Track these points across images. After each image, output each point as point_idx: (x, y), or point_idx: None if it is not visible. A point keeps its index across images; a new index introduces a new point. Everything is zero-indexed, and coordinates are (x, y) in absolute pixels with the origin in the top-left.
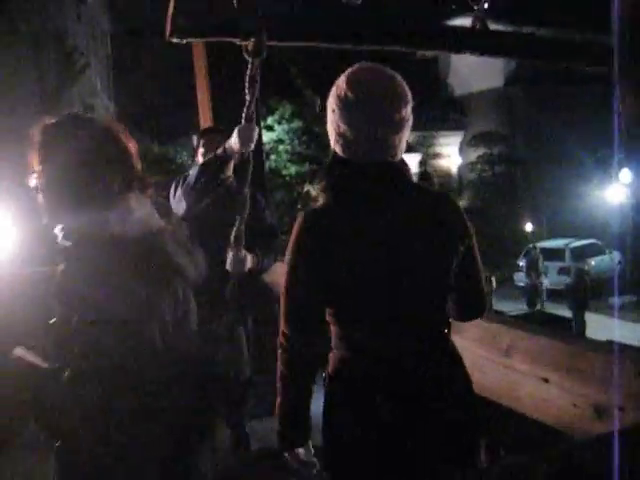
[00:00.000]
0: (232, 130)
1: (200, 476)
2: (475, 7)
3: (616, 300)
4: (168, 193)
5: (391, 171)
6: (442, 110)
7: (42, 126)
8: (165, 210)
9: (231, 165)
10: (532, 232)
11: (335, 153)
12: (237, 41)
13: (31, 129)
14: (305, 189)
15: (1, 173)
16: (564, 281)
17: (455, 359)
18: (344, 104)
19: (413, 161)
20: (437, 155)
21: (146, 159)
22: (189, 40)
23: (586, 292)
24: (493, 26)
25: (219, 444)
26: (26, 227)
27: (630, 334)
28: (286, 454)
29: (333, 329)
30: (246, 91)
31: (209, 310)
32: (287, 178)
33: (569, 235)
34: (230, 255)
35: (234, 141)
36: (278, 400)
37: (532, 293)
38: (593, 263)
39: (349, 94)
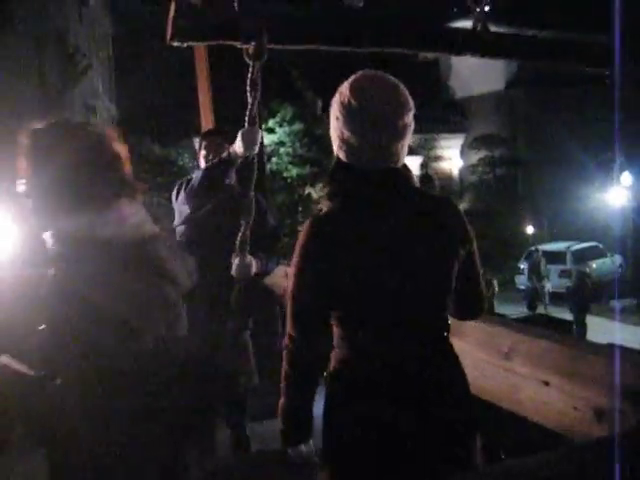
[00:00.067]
0: (233, 132)
1: (197, 475)
2: (476, 9)
3: (617, 303)
4: (170, 195)
5: (394, 177)
6: (443, 112)
7: (31, 131)
8: (158, 216)
9: (234, 169)
10: (533, 235)
11: (339, 159)
12: (238, 44)
13: (20, 134)
14: (306, 191)
15: (2, 174)
16: (565, 284)
17: (454, 361)
18: (348, 111)
19: (414, 164)
20: (438, 158)
21: (148, 161)
22: (190, 43)
23: (587, 295)
24: (494, 28)
25: (219, 445)
26: (27, 228)
27: (631, 337)
28: (289, 450)
29: (336, 330)
30: (248, 94)
31: (213, 315)
32: (288, 180)
33: (570, 238)
34: (236, 261)
35: (238, 145)
36: (282, 400)
37: (533, 296)
38: (594, 266)
39: (353, 102)
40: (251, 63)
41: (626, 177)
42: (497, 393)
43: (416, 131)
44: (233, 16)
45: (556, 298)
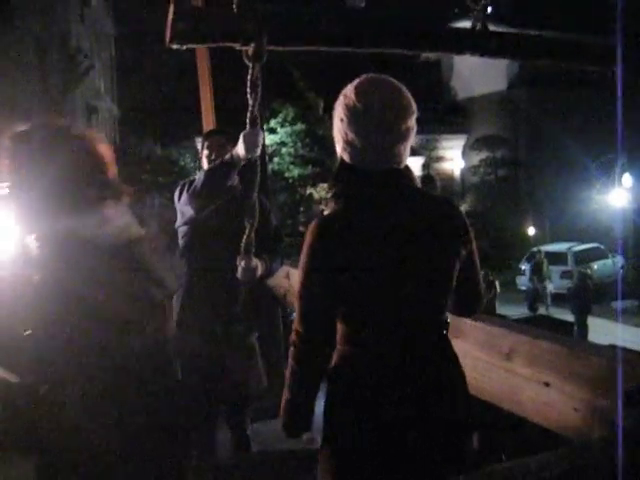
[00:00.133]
0: (235, 133)
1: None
2: (475, 8)
3: (619, 304)
4: (172, 195)
5: (397, 178)
6: (445, 113)
7: (12, 134)
8: (144, 219)
9: (236, 171)
10: (534, 236)
11: (342, 160)
12: (237, 46)
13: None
14: (308, 192)
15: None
16: (566, 285)
17: (453, 360)
18: (352, 114)
19: (416, 164)
20: (440, 158)
21: (149, 161)
22: (189, 46)
23: (589, 296)
24: (495, 29)
25: (220, 445)
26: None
27: (632, 338)
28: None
29: (340, 328)
30: (248, 96)
31: (218, 316)
32: (290, 180)
33: (572, 239)
34: (242, 264)
35: (240, 147)
36: (286, 395)
37: (534, 297)
38: (596, 267)
39: (357, 104)
40: (251, 65)
41: (627, 179)
42: (498, 394)
43: (418, 132)
44: (232, 18)
45: (557, 299)
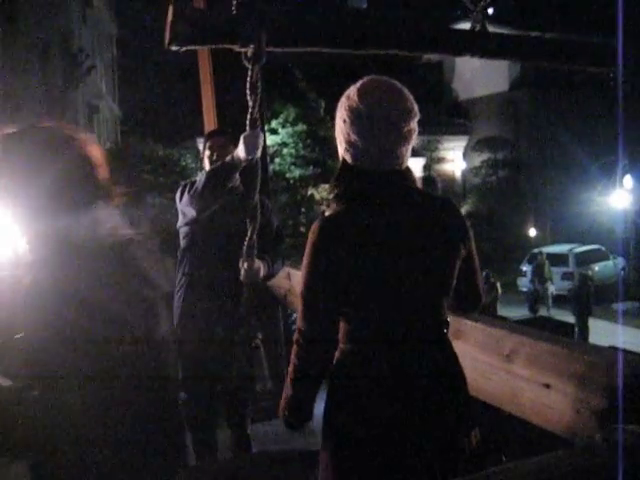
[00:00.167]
0: (236, 133)
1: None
2: (475, 10)
3: (620, 306)
4: (173, 195)
5: (398, 179)
6: (446, 114)
7: (2, 135)
8: (135, 220)
9: (238, 172)
10: (536, 237)
11: (344, 161)
12: (237, 48)
13: None
14: (309, 192)
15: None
16: (567, 286)
17: (453, 358)
18: (355, 115)
19: (417, 165)
20: (441, 159)
21: (150, 161)
22: (188, 48)
23: (590, 298)
24: (497, 30)
25: (220, 446)
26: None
27: (633, 340)
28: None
29: (342, 325)
30: (248, 98)
31: (220, 316)
32: (291, 181)
33: (573, 240)
34: (244, 266)
35: (240, 149)
36: (289, 390)
37: (535, 298)
38: (597, 269)
39: (361, 106)
40: (250, 66)
41: (628, 180)
42: (498, 395)
43: (419, 132)
44: (231, 19)
45: (558, 301)
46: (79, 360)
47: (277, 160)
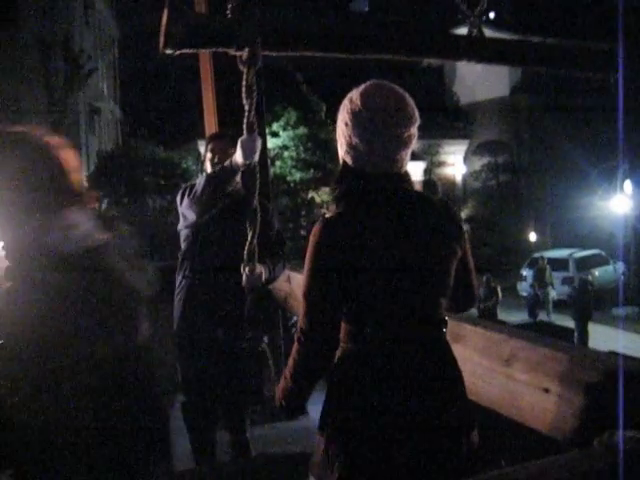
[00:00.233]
0: (237, 136)
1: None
2: (472, 15)
3: (620, 311)
4: (173, 198)
5: (398, 181)
6: (447, 118)
7: None
8: (113, 224)
9: (237, 177)
10: (536, 242)
11: (345, 163)
12: (232, 51)
13: None
14: (309, 196)
15: None
16: (567, 291)
17: (451, 357)
18: (357, 119)
19: (417, 169)
20: (442, 163)
21: (151, 163)
22: (183, 51)
23: (590, 303)
24: (498, 35)
25: (219, 449)
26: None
27: (633, 345)
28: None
29: (343, 325)
30: (244, 101)
31: (220, 322)
32: (291, 184)
33: (573, 245)
34: (246, 271)
35: (238, 154)
36: (288, 382)
37: (534, 303)
38: (597, 274)
39: (363, 110)
40: (245, 70)
41: (628, 185)
42: (497, 400)
43: (420, 136)
44: (226, 23)
45: (558, 305)
46: (57, 370)
47: (278, 163)
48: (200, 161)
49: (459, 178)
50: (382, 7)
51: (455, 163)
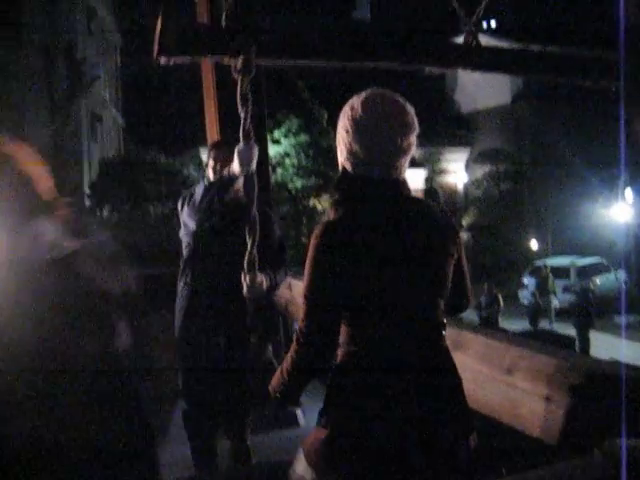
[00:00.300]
0: (238, 143)
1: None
2: (468, 23)
3: (622, 319)
4: (174, 204)
5: (396, 188)
6: (449, 126)
7: None
8: (86, 229)
9: (236, 185)
10: (537, 250)
11: (344, 169)
12: (225, 60)
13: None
14: (311, 203)
15: None
16: (569, 299)
17: (450, 361)
18: (358, 127)
19: (419, 177)
20: (443, 171)
21: (153, 170)
22: (177, 59)
23: (591, 311)
24: (499, 43)
25: (220, 457)
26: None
27: (635, 354)
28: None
29: (343, 327)
30: (239, 110)
31: (221, 329)
32: (293, 192)
33: (574, 253)
34: (247, 281)
35: (235, 163)
36: (283, 376)
37: (535, 312)
38: (598, 282)
39: (364, 118)
40: (239, 78)
41: (629, 193)
42: (498, 407)
43: (421, 144)
44: (220, 31)
45: (559, 314)
46: (31, 373)
47: (279, 170)
48: (202, 168)
49: (460, 186)
50: (384, 16)
51: (456, 171)
